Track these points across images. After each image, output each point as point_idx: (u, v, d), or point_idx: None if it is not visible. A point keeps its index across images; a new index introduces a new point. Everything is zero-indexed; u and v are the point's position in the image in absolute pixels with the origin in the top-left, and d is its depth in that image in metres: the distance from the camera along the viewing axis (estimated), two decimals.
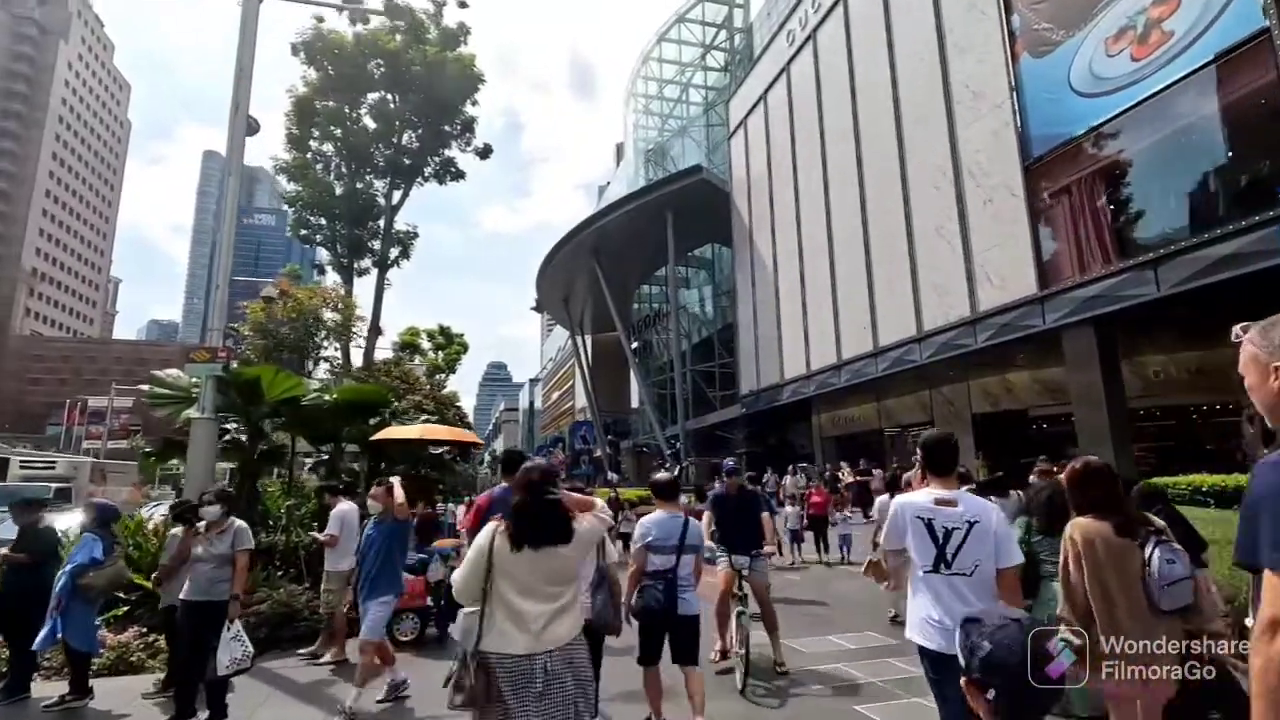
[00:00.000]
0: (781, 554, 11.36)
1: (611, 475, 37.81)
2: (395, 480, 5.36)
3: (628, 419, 52.40)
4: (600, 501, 2.98)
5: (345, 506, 6.35)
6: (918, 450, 3.13)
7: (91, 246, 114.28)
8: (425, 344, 47.87)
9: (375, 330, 20.40)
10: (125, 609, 6.49)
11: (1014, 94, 15.15)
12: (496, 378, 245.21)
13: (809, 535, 12.47)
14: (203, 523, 4.79)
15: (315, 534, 6.69)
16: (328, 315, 13.22)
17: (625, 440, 46.30)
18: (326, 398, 8.48)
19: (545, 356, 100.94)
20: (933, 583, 2.78)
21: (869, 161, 20.70)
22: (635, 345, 44.71)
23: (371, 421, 9.93)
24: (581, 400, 60.18)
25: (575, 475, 41.53)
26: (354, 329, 16.33)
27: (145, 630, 6.09)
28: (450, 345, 47.54)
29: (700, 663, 4.27)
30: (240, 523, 4.80)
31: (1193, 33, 11.76)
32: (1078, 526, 2.93)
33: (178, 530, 5.27)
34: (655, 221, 33.60)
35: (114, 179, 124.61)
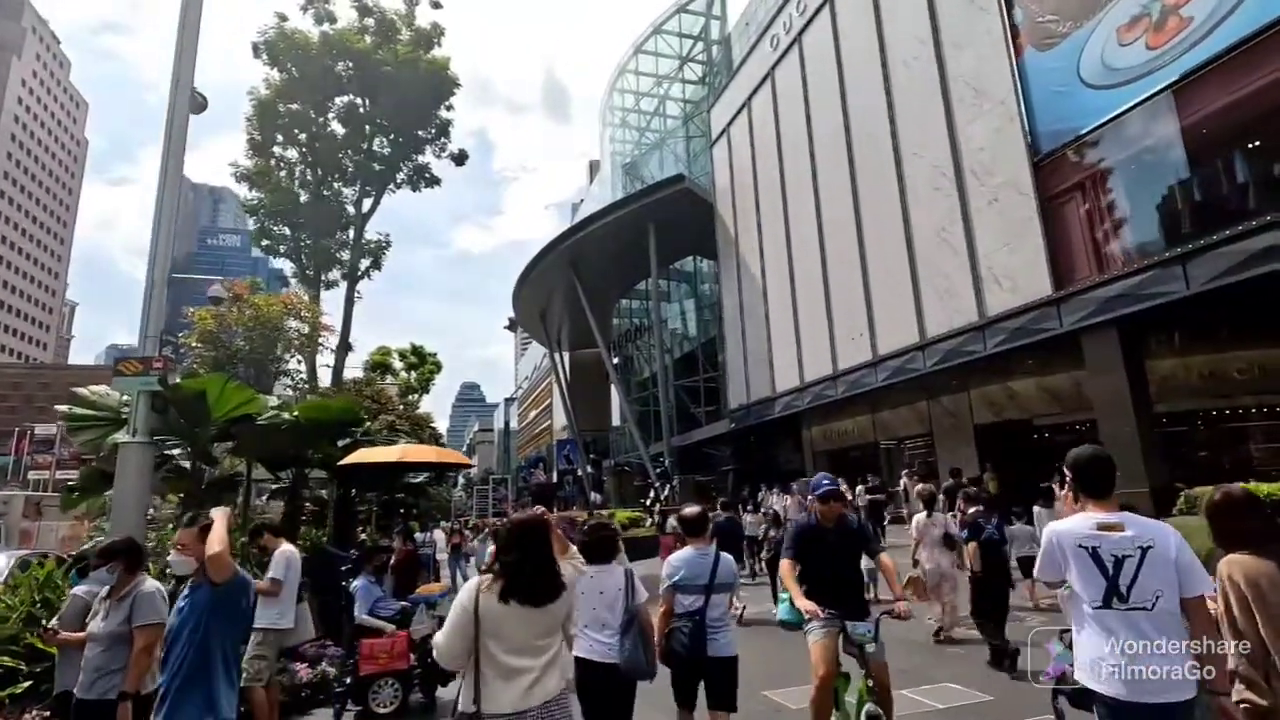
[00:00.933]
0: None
1: (595, 496, 36.53)
2: (219, 514, 3.25)
3: (608, 437, 51.11)
4: (573, 548, 2.89)
5: (287, 549, 5.13)
6: (1065, 470, 2.89)
7: (45, 269, 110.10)
8: (397, 363, 46.26)
9: (345, 346, 19.03)
10: (26, 684, 5.15)
11: (1018, 89, 14.56)
12: (470, 398, 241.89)
13: None
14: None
15: (258, 582, 5.24)
16: (291, 325, 11.75)
17: (606, 459, 44.98)
18: (286, 415, 7.24)
19: (520, 375, 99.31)
20: (1105, 620, 2.45)
21: (862, 165, 20.05)
22: (616, 361, 43.59)
23: (341, 443, 8.70)
24: (559, 419, 58.76)
25: (560, 496, 40.26)
26: (321, 340, 14.78)
27: (47, 716, 4.76)
28: (423, 364, 45.99)
29: None
30: (148, 586, 3.50)
31: (1214, 18, 11.22)
32: (1235, 565, 2.65)
33: (82, 589, 4.00)
34: (636, 233, 32.72)
35: (69, 199, 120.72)
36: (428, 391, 44.91)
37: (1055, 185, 13.82)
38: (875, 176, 19.36)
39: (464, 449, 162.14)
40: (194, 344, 10.59)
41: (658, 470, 25.51)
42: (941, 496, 11.11)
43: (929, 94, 17.17)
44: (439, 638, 2.51)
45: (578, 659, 3.54)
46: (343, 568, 6.26)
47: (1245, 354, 12.77)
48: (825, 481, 4.15)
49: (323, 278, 19.44)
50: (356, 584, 5.46)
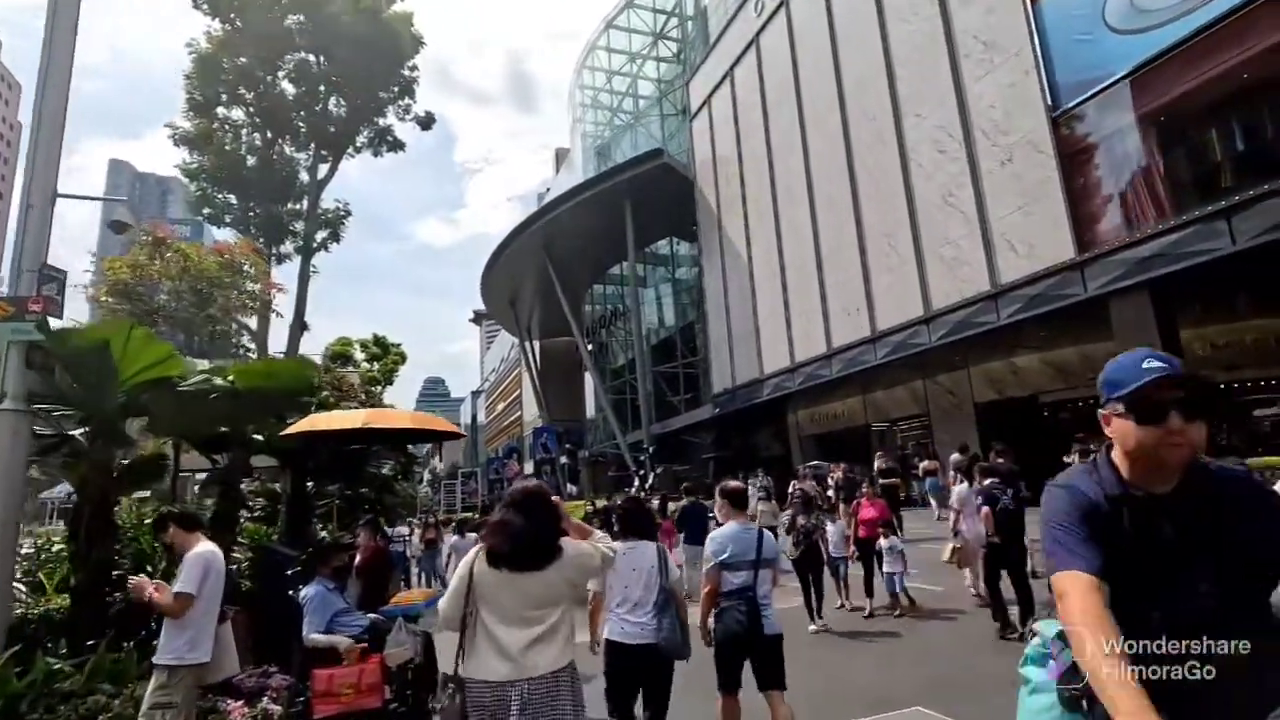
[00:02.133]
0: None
1: (570, 487, 35.10)
2: None
3: (582, 428, 49.66)
4: (597, 532, 2.73)
5: (205, 550, 3.59)
6: None
7: None
8: (359, 354, 44.05)
9: (300, 324, 17.25)
10: None
11: (1035, 39, 13.56)
12: (434, 393, 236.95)
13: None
14: None
15: (151, 591, 3.47)
16: (235, 282, 9.69)
17: (581, 450, 43.54)
18: (220, 381, 5.70)
19: (487, 369, 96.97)
20: None
21: (857, 132, 18.97)
22: (590, 348, 42.12)
23: (291, 420, 7.18)
24: (530, 410, 57.08)
25: None
26: (272, 305, 12.58)
27: None
28: (386, 355, 43.87)
29: None
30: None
31: None
32: None
33: None
34: (612, 213, 31.31)
35: (3, 186, 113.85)
36: (391, 383, 42.85)
37: (1078, 141, 12.87)
38: (872, 143, 18.29)
39: (428, 447, 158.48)
40: (103, 297, 8.66)
41: (641, 458, 24.22)
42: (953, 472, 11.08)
43: (932, 51, 16.12)
44: (442, 601, 2.49)
45: (607, 642, 3.40)
46: (289, 571, 4.83)
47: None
48: (1157, 362, 1.47)
49: (274, 250, 17.61)
50: (308, 591, 4.02)
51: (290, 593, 4.37)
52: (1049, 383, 16.99)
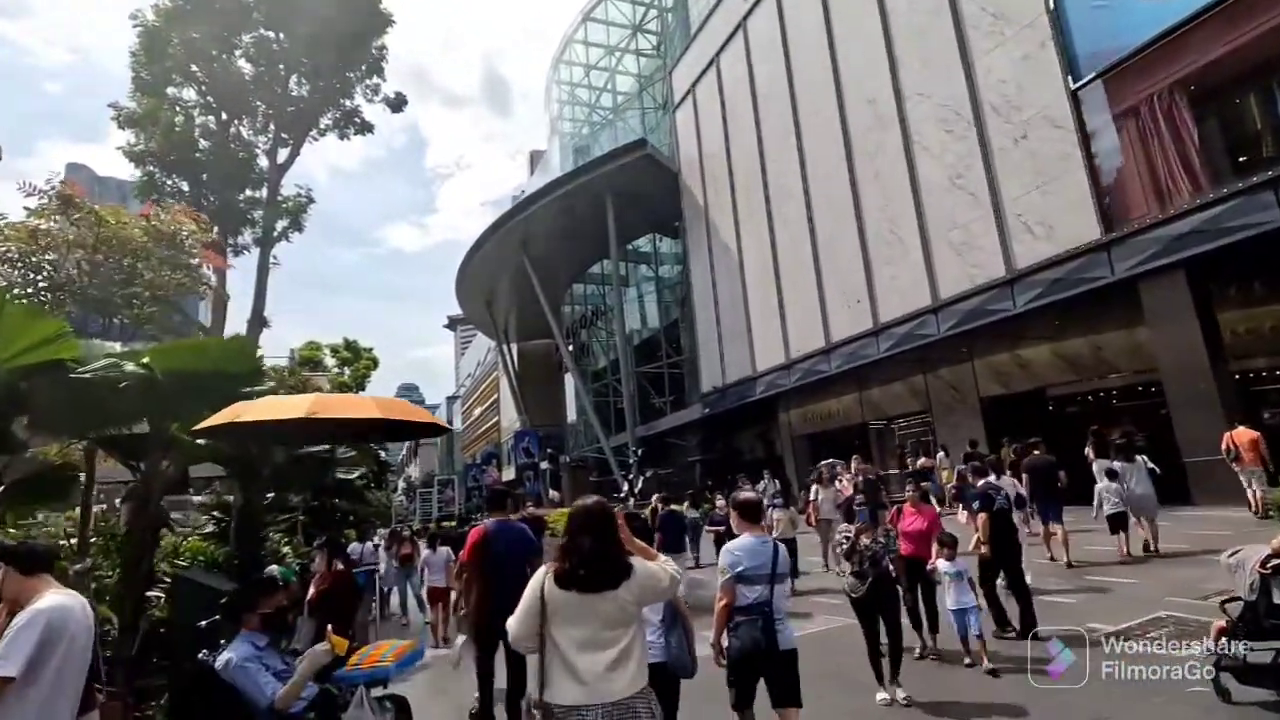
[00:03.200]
0: None
1: (552, 493, 33.74)
2: None
3: (562, 432, 48.28)
4: (664, 557, 2.63)
5: (49, 606, 2.28)
6: None
7: None
8: (329, 359, 42.37)
9: (259, 321, 15.80)
10: None
11: (1051, 8, 12.75)
12: (408, 400, 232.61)
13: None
14: None
15: None
16: (188, 261, 7.85)
17: (561, 455, 42.17)
18: (130, 366, 4.42)
19: (462, 374, 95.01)
20: None
21: (855, 115, 18.08)
22: (571, 349, 40.85)
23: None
24: (507, 415, 55.56)
25: (521, 494, 36.94)
26: (213, 284, 10.42)
27: None
28: (358, 360, 42.22)
29: None
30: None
31: None
32: None
33: None
34: (592, 207, 30.13)
35: None
36: (363, 388, 41.28)
37: (1101, 113, 12.06)
38: (872, 125, 17.41)
39: (404, 451, 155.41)
40: None
41: (629, 460, 23.07)
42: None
43: (936, 26, 15.28)
44: (511, 621, 2.42)
45: None
46: (202, 623, 3.52)
47: None
48: None
49: (230, 241, 16.13)
50: (226, 657, 2.79)
51: (205, 651, 3.08)
52: (1058, 375, 16.22)
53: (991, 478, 6.95)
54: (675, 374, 34.54)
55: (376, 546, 11.68)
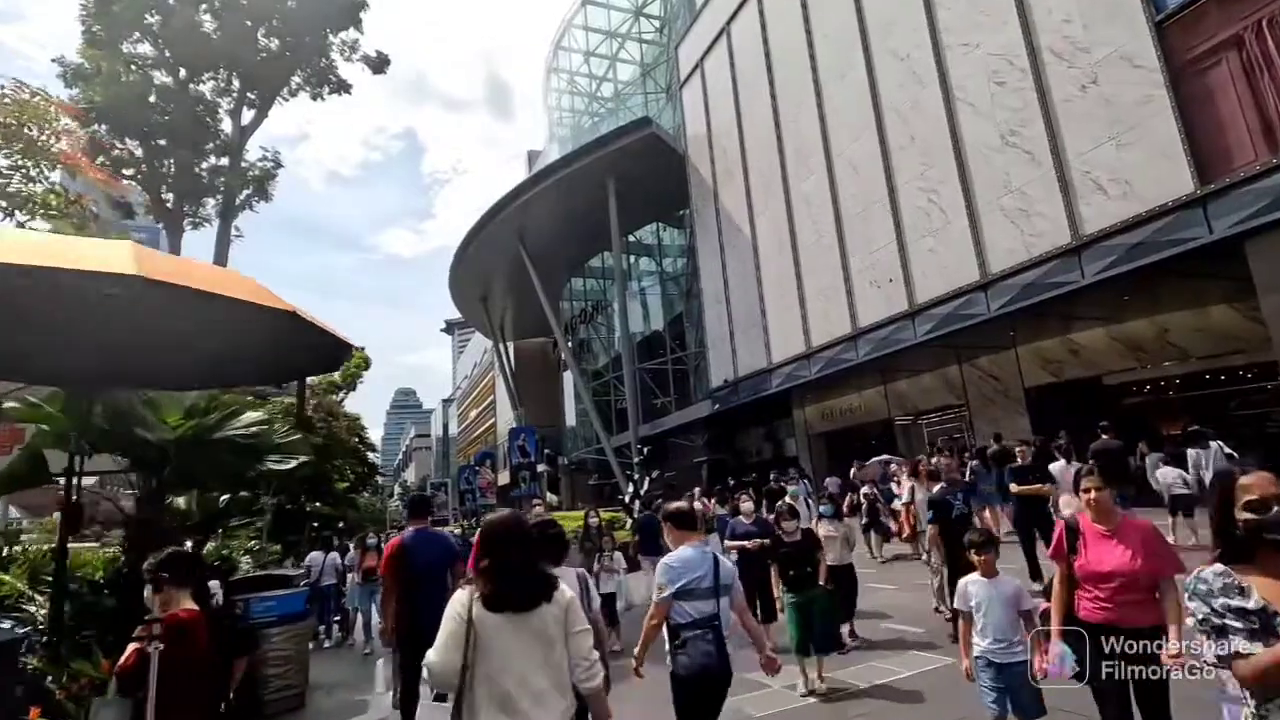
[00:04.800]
0: None
1: (551, 497, 31.85)
2: None
3: (559, 434, 46.37)
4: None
5: None
6: None
7: None
8: None
9: None
10: None
11: None
12: (405, 405, 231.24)
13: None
14: None
15: None
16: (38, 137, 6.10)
17: (559, 457, 40.28)
18: None
19: (459, 376, 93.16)
20: None
21: (886, 75, 16.33)
22: (570, 345, 39.01)
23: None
24: (505, 417, 53.67)
25: (516, 497, 34.66)
26: (68, 197, 7.80)
27: None
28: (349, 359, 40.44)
29: None
30: None
31: None
32: None
33: None
34: (593, 194, 28.36)
35: None
36: (354, 388, 39.51)
37: (1192, 47, 10.30)
38: (906, 84, 15.66)
39: (399, 457, 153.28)
40: None
41: (635, 460, 21.22)
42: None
43: None
44: (432, 654, 2.15)
45: None
46: None
47: None
48: None
49: (187, 210, 14.34)
50: None
51: None
52: (1117, 361, 14.51)
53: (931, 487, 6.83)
54: (679, 370, 32.73)
55: (343, 556, 9.85)
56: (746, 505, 7.07)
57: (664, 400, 32.83)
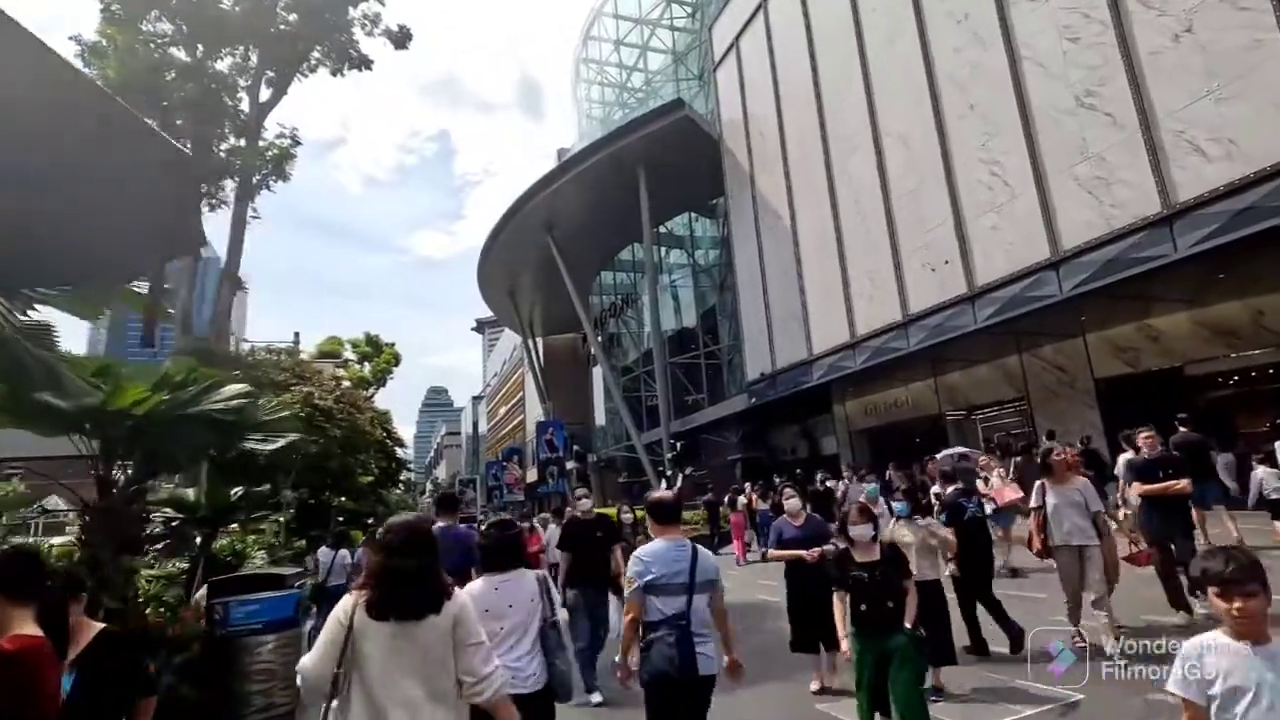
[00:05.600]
0: None
1: (579, 491, 31.11)
2: None
3: (588, 431, 45.62)
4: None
5: None
6: None
7: None
8: (349, 354, 40.54)
9: (233, 281, 13.44)
10: None
11: None
12: (436, 403, 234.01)
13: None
14: None
15: None
16: None
17: (589, 454, 39.49)
18: None
19: (489, 374, 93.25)
20: None
21: (941, 39, 15.12)
22: (600, 340, 38.19)
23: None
24: (534, 412, 53.15)
25: (544, 494, 33.97)
26: None
27: None
28: (379, 355, 40.27)
29: None
30: None
31: None
32: None
33: None
34: (623, 182, 27.45)
35: None
36: (383, 385, 39.36)
37: None
38: (965, 47, 14.43)
39: (431, 454, 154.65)
40: None
41: (669, 456, 20.26)
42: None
43: None
44: (306, 660, 2.10)
45: None
46: None
47: None
48: None
49: (205, 191, 13.81)
50: None
51: None
52: (1202, 348, 13.09)
53: (945, 489, 6.47)
54: (712, 365, 31.67)
55: (353, 554, 9.10)
56: (792, 503, 5.53)
57: (696, 397, 31.81)
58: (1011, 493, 7.93)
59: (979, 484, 7.81)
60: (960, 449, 12.06)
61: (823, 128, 19.09)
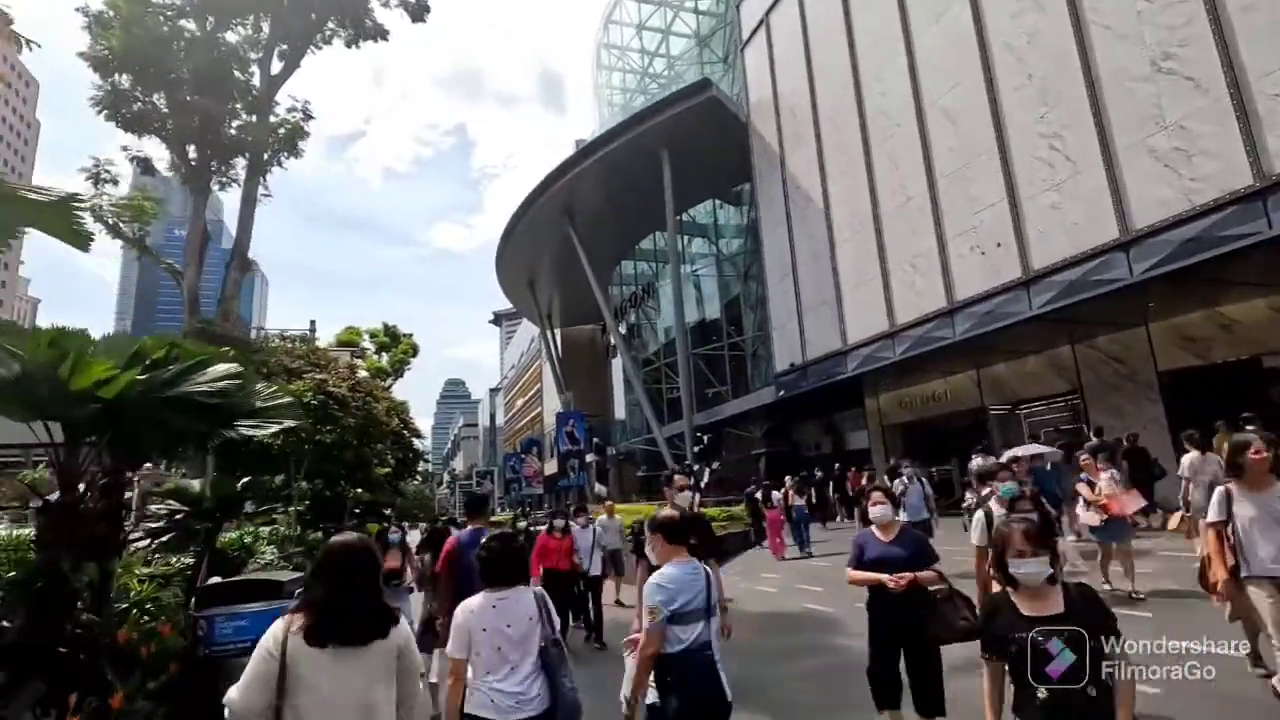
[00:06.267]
0: None
1: (599, 488, 30.44)
2: None
3: (607, 425, 44.94)
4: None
5: None
6: None
7: None
8: (367, 344, 40.22)
9: (243, 261, 12.81)
10: None
11: None
12: (454, 395, 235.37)
13: None
14: None
15: None
16: None
17: (608, 448, 38.82)
18: None
19: (506, 365, 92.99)
20: None
21: (994, 4, 14.06)
22: (622, 330, 37.40)
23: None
24: (551, 404, 52.57)
25: (563, 488, 33.17)
26: None
27: None
28: (396, 345, 39.90)
29: None
30: None
31: None
32: None
33: None
34: (645, 167, 26.60)
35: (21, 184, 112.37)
36: (401, 375, 38.98)
37: None
38: (1022, 12, 13.38)
39: (448, 445, 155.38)
40: None
41: (696, 449, 19.45)
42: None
43: None
44: (233, 692, 1.96)
45: (470, 718, 2.69)
46: None
47: None
48: None
49: (214, 167, 13.18)
50: None
51: None
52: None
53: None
54: (735, 356, 30.78)
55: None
56: (880, 510, 4.00)
57: (718, 389, 30.94)
58: (1132, 501, 6.76)
59: (1083, 488, 6.79)
60: (1038, 446, 11.07)
61: (860, 105, 18.08)
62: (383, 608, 2.09)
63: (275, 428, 4.54)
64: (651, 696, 2.88)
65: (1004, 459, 7.74)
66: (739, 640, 5.71)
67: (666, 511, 3.25)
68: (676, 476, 6.26)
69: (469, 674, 2.73)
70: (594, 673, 5.51)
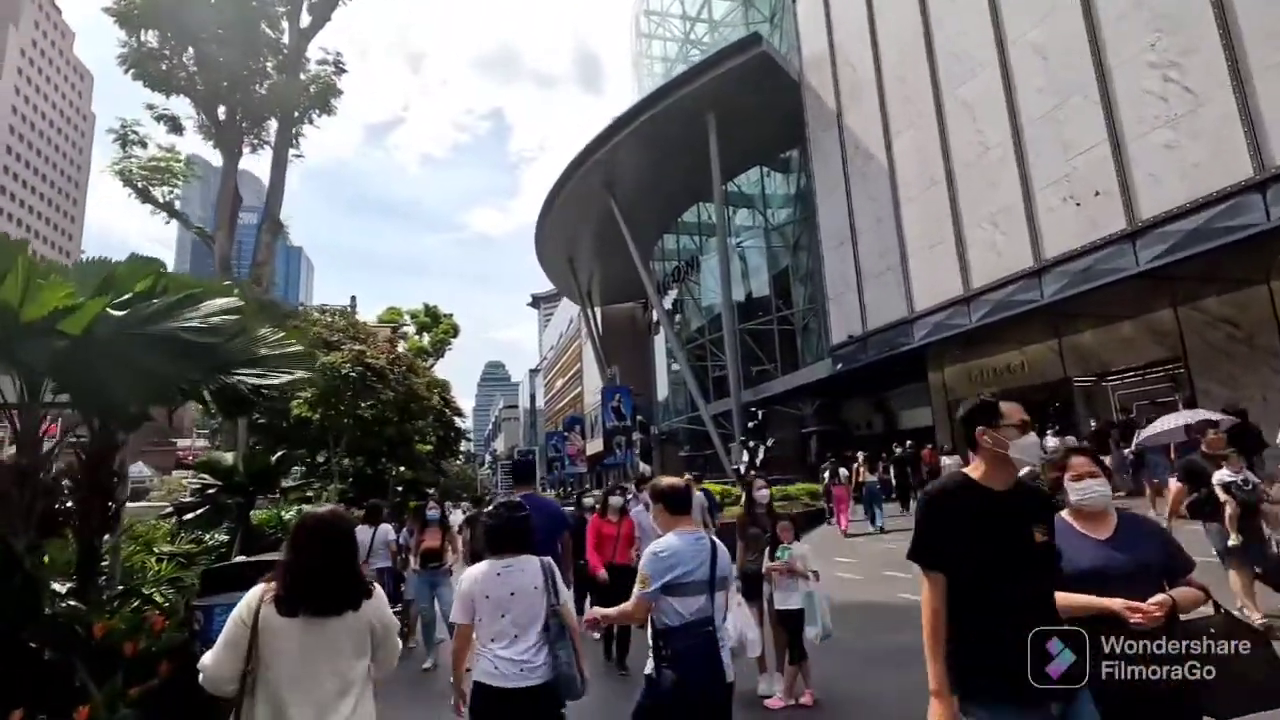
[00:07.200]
0: None
1: (644, 467, 29.61)
2: None
3: (649, 404, 44.04)
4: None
5: None
6: None
7: (56, 249, 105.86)
8: (408, 324, 40.21)
9: (275, 224, 12.19)
10: None
11: None
12: (495, 376, 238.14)
13: None
14: None
15: None
16: None
17: (651, 427, 37.96)
18: None
19: (545, 346, 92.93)
20: None
21: None
22: (665, 308, 36.33)
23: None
24: (591, 384, 51.97)
25: (609, 466, 32.48)
26: None
27: None
28: (437, 325, 39.75)
29: None
30: None
31: None
32: None
33: None
34: (690, 134, 25.29)
35: (79, 176, 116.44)
36: (441, 355, 38.85)
37: None
38: None
39: (490, 426, 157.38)
40: None
41: (750, 424, 18.41)
42: None
43: None
44: (207, 658, 1.99)
45: (476, 686, 2.69)
46: None
47: None
48: None
49: (245, 127, 12.55)
50: None
51: None
52: None
53: None
54: (785, 331, 29.46)
55: (399, 531, 7.61)
56: (1089, 492, 2.34)
57: (764, 366, 29.71)
58: None
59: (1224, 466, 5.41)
60: (1197, 412, 9.40)
61: (929, 48, 16.52)
62: (355, 579, 2.06)
63: (283, 378, 3.69)
64: (649, 667, 2.73)
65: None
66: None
67: (669, 480, 3.15)
68: (757, 480, 5.80)
69: (474, 640, 2.74)
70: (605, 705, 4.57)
